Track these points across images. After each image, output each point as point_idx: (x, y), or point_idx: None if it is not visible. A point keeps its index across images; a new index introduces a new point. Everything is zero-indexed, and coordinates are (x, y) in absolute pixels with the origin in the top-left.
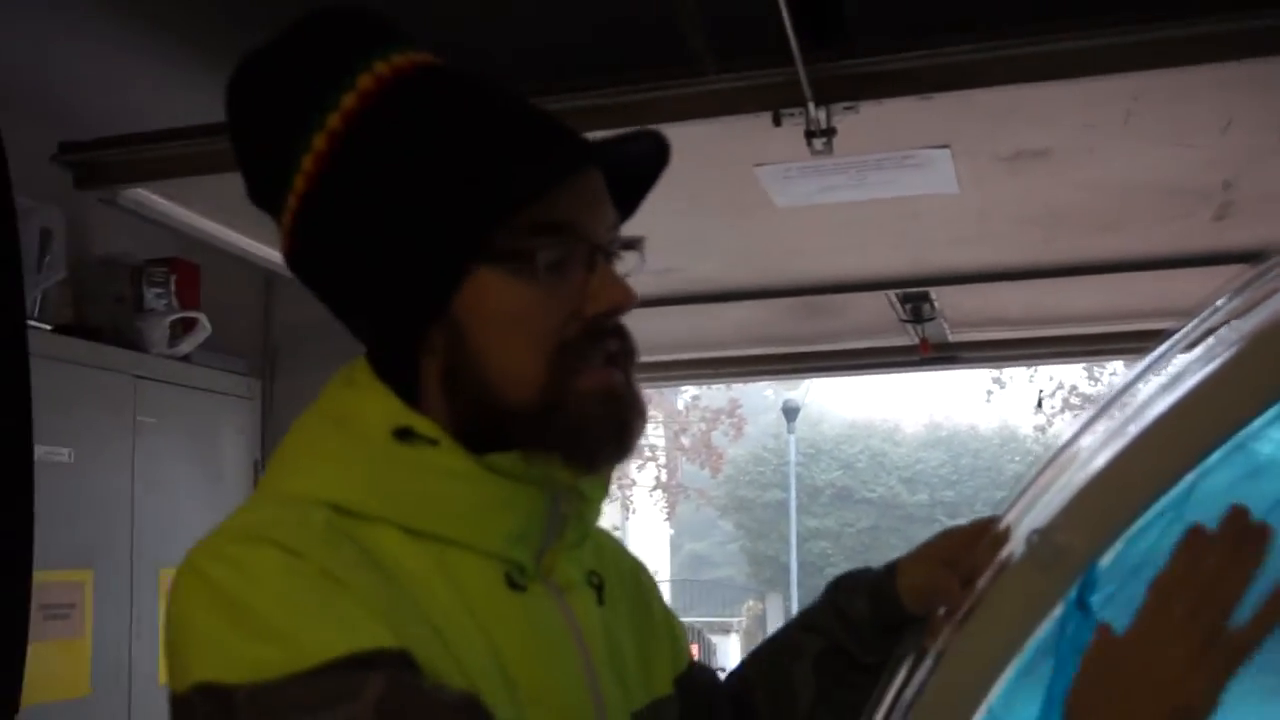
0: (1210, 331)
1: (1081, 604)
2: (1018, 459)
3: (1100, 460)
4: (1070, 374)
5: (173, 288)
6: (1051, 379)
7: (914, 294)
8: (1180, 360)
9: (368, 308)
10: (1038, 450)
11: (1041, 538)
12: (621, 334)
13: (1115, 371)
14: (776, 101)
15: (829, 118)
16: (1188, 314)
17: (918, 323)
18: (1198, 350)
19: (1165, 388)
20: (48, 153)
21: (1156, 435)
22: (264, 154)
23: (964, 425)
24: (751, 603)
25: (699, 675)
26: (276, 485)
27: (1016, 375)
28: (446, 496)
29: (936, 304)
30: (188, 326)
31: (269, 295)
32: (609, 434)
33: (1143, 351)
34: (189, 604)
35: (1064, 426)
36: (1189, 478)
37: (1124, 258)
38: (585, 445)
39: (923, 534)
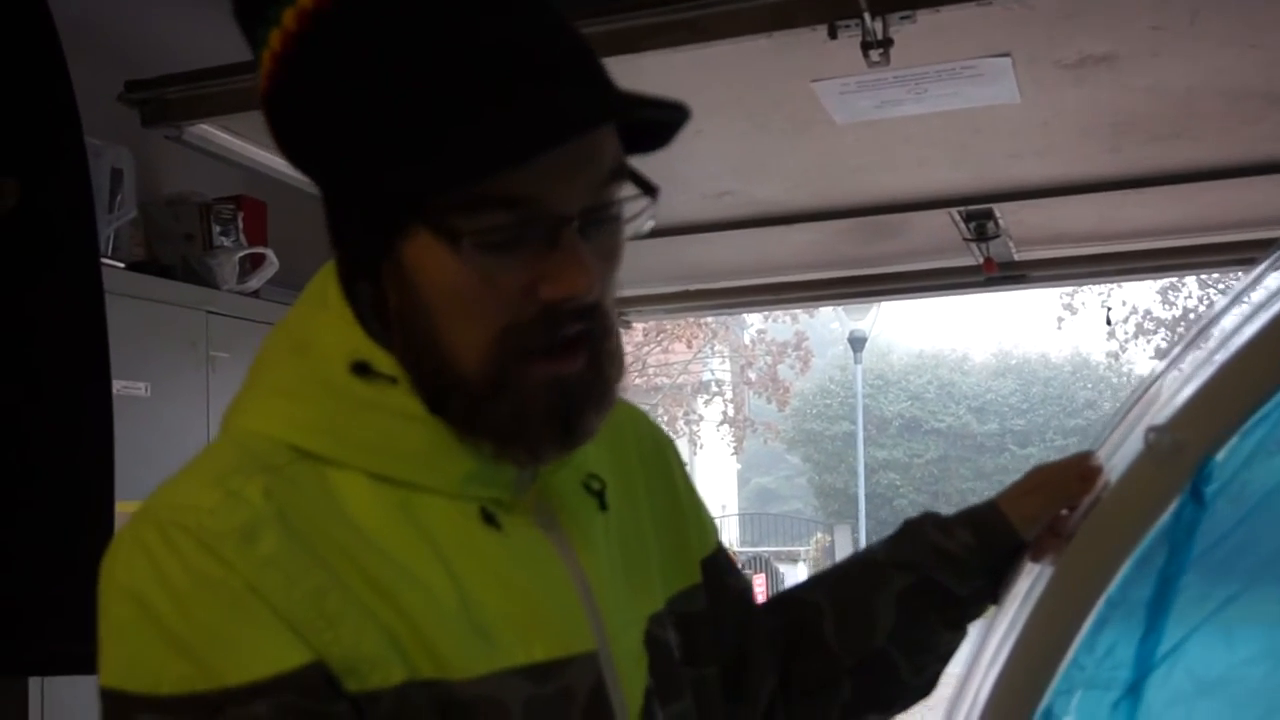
0: None
1: (1196, 494)
2: (1089, 386)
3: (1216, 362)
4: (1143, 298)
5: (240, 224)
6: (1124, 303)
7: (977, 211)
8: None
9: (326, 216)
10: (1111, 378)
11: (1159, 435)
12: (590, 314)
13: (1190, 294)
14: (831, 14)
15: (885, 28)
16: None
17: (982, 241)
18: None
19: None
20: (114, 93)
21: (1271, 337)
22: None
23: (1034, 353)
24: (819, 535)
25: (725, 559)
26: (239, 421)
27: (1088, 301)
28: (403, 439)
29: (1001, 221)
30: (256, 262)
31: None
32: (553, 428)
33: (1213, 265)
34: (105, 594)
35: (1137, 353)
36: None
37: (1192, 167)
38: (523, 437)
39: (992, 464)
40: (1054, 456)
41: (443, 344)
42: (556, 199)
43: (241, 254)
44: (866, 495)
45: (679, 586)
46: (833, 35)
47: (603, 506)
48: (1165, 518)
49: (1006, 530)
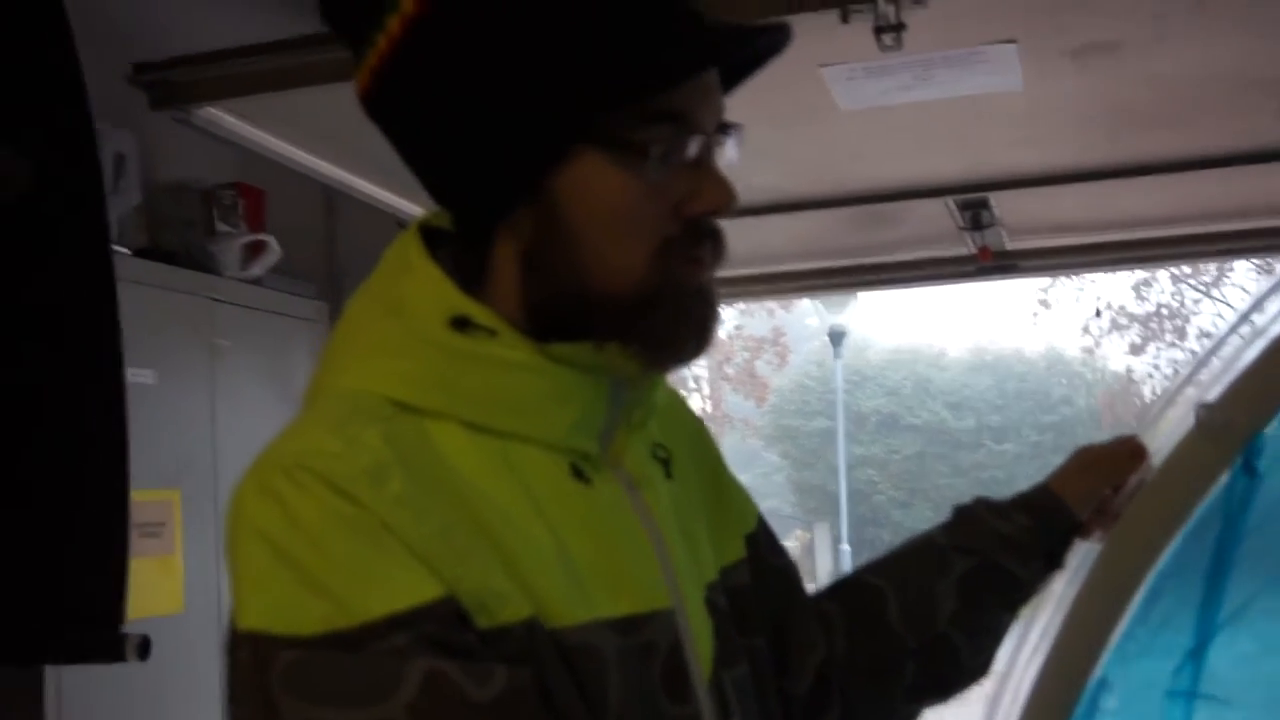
0: None
1: (1248, 467)
2: (1064, 381)
3: (1264, 340)
4: (1117, 294)
5: (241, 211)
6: (1099, 298)
7: (973, 200)
8: None
9: (452, 176)
10: (1085, 374)
11: (1210, 412)
12: (717, 235)
13: (1163, 290)
14: None
15: (898, 12)
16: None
17: (976, 230)
18: None
19: None
20: (116, 77)
21: None
22: None
23: (1009, 349)
24: (799, 532)
25: (767, 538)
26: (335, 380)
27: (1063, 297)
28: (506, 389)
29: (995, 210)
30: (257, 250)
31: (331, 218)
32: (694, 333)
33: (1202, 256)
34: (237, 541)
35: (1111, 348)
36: None
37: (1188, 156)
38: (670, 342)
39: (969, 459)
40: (1030, 453)
41: (595, 263)
42: (704, 117)
43: (244, 240)
44: (846, 491)
45: (726, 560)
46: (845, 19)
47: (668, 474)
48: (1216, 492)
49: (1062, 511)
